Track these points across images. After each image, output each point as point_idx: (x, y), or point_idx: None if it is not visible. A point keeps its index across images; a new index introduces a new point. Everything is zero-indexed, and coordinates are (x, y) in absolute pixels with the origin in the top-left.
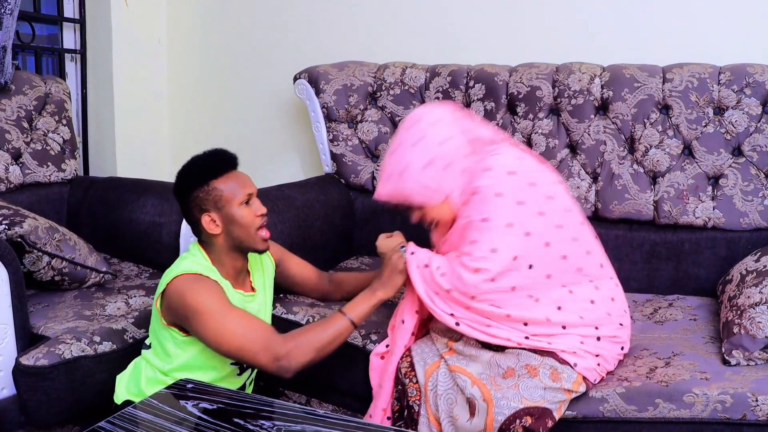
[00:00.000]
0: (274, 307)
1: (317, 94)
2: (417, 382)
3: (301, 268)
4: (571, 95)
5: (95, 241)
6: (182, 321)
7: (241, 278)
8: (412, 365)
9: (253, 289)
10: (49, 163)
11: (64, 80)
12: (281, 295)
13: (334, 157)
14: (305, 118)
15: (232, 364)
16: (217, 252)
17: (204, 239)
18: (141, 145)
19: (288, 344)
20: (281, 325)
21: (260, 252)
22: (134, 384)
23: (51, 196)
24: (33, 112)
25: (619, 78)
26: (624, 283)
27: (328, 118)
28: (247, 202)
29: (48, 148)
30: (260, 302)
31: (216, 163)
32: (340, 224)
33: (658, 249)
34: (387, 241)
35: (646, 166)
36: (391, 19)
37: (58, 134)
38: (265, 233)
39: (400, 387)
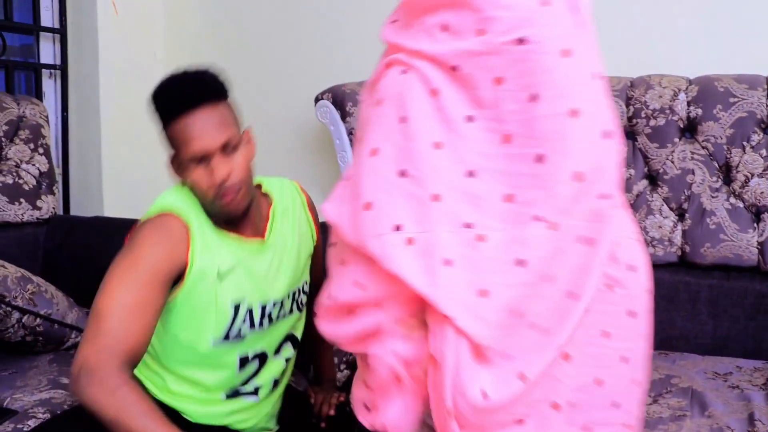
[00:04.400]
0: None
1: (343, 117)
2: None
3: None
4: (649, 115)
5: (77, 294)
6: None
7: (244, 222)
8: None
9: (262, 236)
10: (21, 200)
11: (41, 101)
12: None
13: None
14: (329, 147)
15: (241, 359)
16: None
17: None
18: (133, 180)
19: (111, 383)
20: None
21: (228, 216)
22: None
23: (24, 239)
24: (3, 139)
25: (711, 92)
26: (722, 345)
27: None
28: (200, 160)
29: (21, 181)
30: (273, 259)
31: (172, 98)
32: None
33: (765, 302)
34: None
35: (747, 200)
36: None
37: (34, 165)
38: (226, 198)
39: None
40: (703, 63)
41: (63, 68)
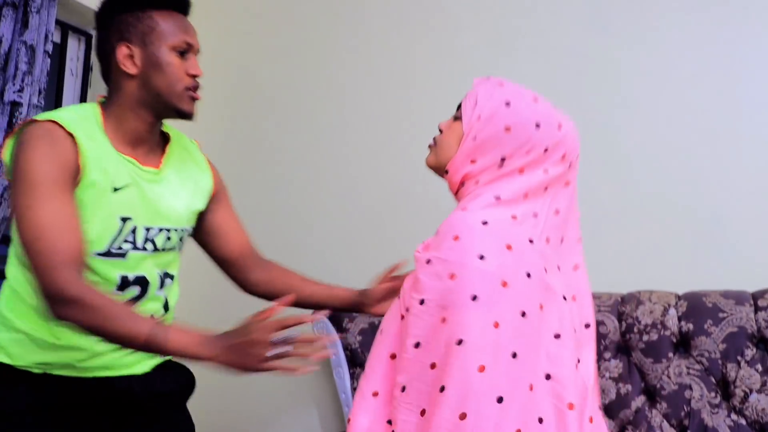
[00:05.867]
0: None
1: (339, 333)
2: None
3: (230, 221)
4: (642, 330)
5: None
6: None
7: (142, 150)
8: None
9: (157, 167)
10: None
11: None
12: None
13: None
14: (324, 363)
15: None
16: (119, 105)
17: (111, 85)
18: None
19: (78, 292)
20: None
21: (183, 114)
22: None
23: None
24: None
25: (700, 307)
26: None
27: (353, 362)
28: (182, 53)
29: None
30: (166, 190)
31: None
32: None
33: None
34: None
35: (749, 417)
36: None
37: None
38: (195, 93)
39: None
40: (690, 279)
41: None
